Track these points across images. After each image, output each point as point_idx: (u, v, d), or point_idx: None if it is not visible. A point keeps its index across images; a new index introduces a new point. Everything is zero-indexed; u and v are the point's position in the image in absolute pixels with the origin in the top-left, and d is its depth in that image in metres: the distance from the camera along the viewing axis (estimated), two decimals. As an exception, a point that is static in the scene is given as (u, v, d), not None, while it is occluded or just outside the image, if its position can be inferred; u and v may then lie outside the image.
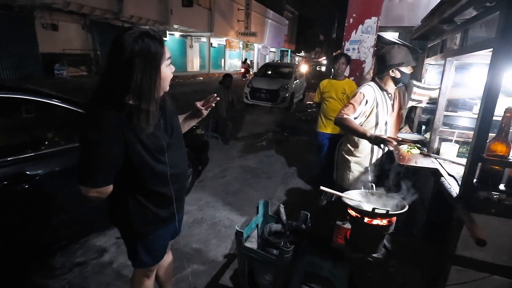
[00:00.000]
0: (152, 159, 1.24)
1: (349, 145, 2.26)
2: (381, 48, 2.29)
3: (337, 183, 2.39)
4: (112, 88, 1.13)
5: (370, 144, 2.14)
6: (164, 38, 1.26)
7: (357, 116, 2.01)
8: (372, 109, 2.07)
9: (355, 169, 2.23)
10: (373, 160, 2.21)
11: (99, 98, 1.14)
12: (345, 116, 1.98)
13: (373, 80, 2.18)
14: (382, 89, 2.10)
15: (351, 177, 2.25)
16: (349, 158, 2.25)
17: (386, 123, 2.13)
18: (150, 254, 1.44)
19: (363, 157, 2.21)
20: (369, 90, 2.06)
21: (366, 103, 2.02)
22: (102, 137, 1.10)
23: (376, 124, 2.11)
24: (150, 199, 1.32)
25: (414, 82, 2.43)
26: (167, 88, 1.24)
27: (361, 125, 2.07)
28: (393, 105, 2.16)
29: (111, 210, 1.37)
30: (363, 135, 1.88)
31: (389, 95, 2.12)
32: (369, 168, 2.14)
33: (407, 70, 2.04)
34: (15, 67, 10.80)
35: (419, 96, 2.44)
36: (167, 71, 1.18)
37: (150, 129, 1.17)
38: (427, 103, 2.66)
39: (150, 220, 1.36)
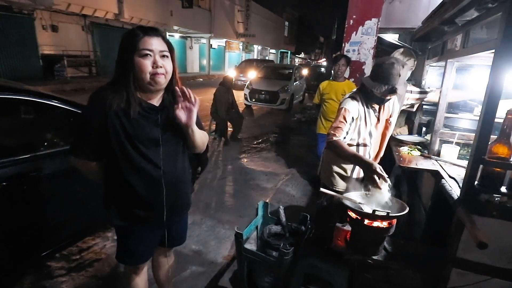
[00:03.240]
0: (133, 148, 1.25)
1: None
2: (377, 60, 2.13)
3: (321, 181, 2.30)
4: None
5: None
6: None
7: (345, 135, 1.88)
8: (355, 124, 1.92)
9: (338, 172, 2.13)
10: (355, 172, 2.08)
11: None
12: (334, 138, 1.82)
13: (356, 93, 1.98)
14: (366, 102, 1.94)
15: (333, 177, 2.15)
16: (333, 165, 2.14)
17: (370, 134, 1.99)
18: (126, 252, 1.45)
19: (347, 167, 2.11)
20: (352, 105, 1.89)
21: (352, 120, 1.88)
22: (87, 110, 1.25)
23: (359, 134, 1.96)
24: (126, 193, 1.31)
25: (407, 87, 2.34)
26: (147, 80, 1.19)
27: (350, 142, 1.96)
28: (378, 116, 1.99)
29: (104, 197, 1.39)
30: (358, 162, 1.73)
31: (373, 108, 1.96)
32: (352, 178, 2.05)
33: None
34: (15, 68, 10.78)
35: (411, 100, 2.41)
36: (140, 61, 1.17)
37: (132, 115, 1.21)
38: (428, 104, 2.65)
39: (125, 216, 1.35)
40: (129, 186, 1.29)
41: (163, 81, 1.23)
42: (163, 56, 1.21)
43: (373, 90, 1.79)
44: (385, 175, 1.55)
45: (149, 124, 1.26)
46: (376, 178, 1.56)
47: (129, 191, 1.30)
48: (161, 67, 1.20)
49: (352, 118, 1.87)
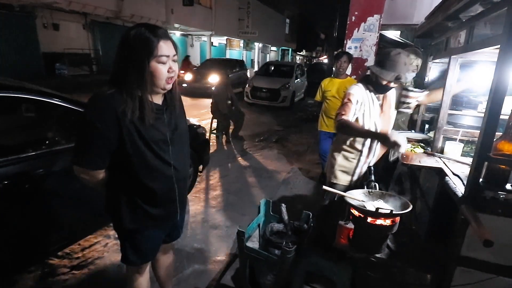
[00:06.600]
0: (150, 152, 1.25)
1: (342, 142, 2.17)
2: (379, 53, 2.15)
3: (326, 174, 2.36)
4: (113, 76, 1.20)
5: (362, 146, 2.06)
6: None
7: (351, 116, 1.92)
8: (360, 109, 1.97)
9: (341, 165, 2.16)
10: (361, 161, 2.11)
11: (107, 84, 1.21)
12: (344, 118, 1.85)
13: (360, 81, 2.07)
14: (370, 90, 2.00)
15: (335, 171, 2.19)
16: (337, 154, 2.18)
17: (375, 125, 2.01)
18: (136, 253, 1.43)
19: (353, 156, 2.13)
20: (357, 89, 1.97)
21: (357, 103, 1.94)
22: (96, 117, 1.15)
23: (363, 124, 2.00)
24: (141, 195, 1.31)
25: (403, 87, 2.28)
26: (163, 85, 1.21)
27: None
28: (382, 106, 2.04)
29: (106, 201, 1.38)
30: (372, 136, 1.82)
31: (377, 96, 2.01)
32: (354, 170, 2.11)
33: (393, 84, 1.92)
34: (16, 66, 10.80)
35: (408, 98, 2.20)
36: (158, 68, 1.17)
37: (148, 121, 1.20)
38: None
39: (139, 217, 1.34)
40: (146, 188, 1.29)
41: (172, 84, 1.26)
42: (174, 60, 1.23)
43: (379, 76, 1.85)
44: (403, 141, 1.60)
45: (159, 125, 1.27)
46: (396, 145, 1.60)
47: (146, 193, 1.31)
48: (174, 71, 1.22)
49: (357, 100, 1.94)
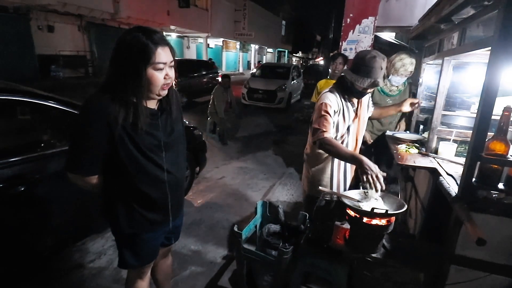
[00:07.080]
0: (144, 157, 1.24)
1: (310, 151, 2.10)
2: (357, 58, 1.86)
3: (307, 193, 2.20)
4: (107, 80, 1.18)
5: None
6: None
7: (332, 131, 1.83)
8: (335, 116, 1.87)
9: (315, 175, 2.07)
10: (335, 174, 2.02)
11: (100, 89, 1.18)
12: (326, 136, 1.72)
13: (335, 88, 1.94)
14: (345, 98, 1.90)
15: (315, 185, 2.02)
16: (308, 165, 2.10)
17: (348, 130, 1.94)
18: (134, 256, 1.43)
19: (321, 167, 2.04)
20: (333, 98, 1.85)
21: (334, 113, 1.83)
22: (87, 125, 1.15)
23: (337, 130, 1.91)
24: (138, 200, 1.31)
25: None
26: (158, 92, 1.20)
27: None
28: (356, 111, 1.95)
29: (103, 206, 1.37)
30: (355, 162, 1.59)
31: (351, 102, 1.92)
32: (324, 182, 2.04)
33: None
34: (11, 69, 10.72)
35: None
36: (154, 75, 1.15)
37: (141, 127, 1.18)
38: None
39: (136, 222, 1.34)
40: (141, 193, 1.29)
41: (167, 90, 1.24)
42: (171, 66, 1.21)
43: (355, 83, 1.76)
44: (381, 179, 1.50)
45: (153, 130, 1.26)
46: (372, 180, 1.50)
47: (141, 197, 1.30)
48: (170, 77, 1.20)
49: (334, 111, 1.83)
